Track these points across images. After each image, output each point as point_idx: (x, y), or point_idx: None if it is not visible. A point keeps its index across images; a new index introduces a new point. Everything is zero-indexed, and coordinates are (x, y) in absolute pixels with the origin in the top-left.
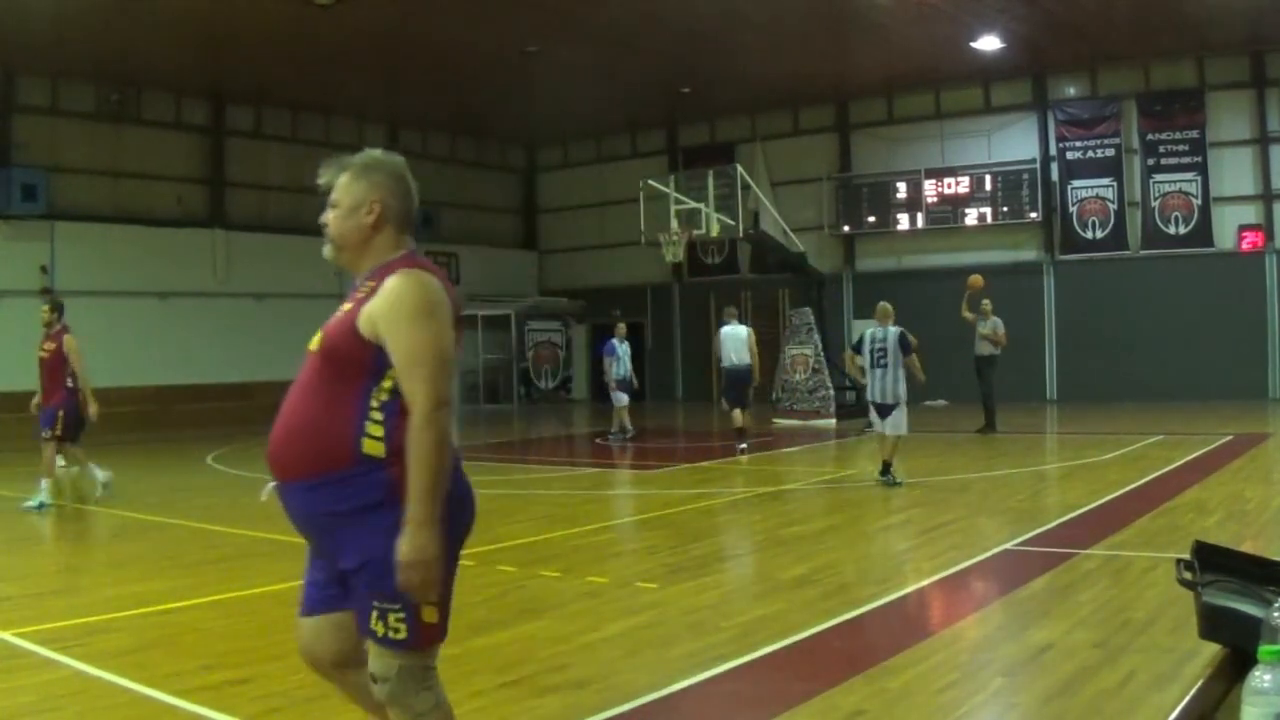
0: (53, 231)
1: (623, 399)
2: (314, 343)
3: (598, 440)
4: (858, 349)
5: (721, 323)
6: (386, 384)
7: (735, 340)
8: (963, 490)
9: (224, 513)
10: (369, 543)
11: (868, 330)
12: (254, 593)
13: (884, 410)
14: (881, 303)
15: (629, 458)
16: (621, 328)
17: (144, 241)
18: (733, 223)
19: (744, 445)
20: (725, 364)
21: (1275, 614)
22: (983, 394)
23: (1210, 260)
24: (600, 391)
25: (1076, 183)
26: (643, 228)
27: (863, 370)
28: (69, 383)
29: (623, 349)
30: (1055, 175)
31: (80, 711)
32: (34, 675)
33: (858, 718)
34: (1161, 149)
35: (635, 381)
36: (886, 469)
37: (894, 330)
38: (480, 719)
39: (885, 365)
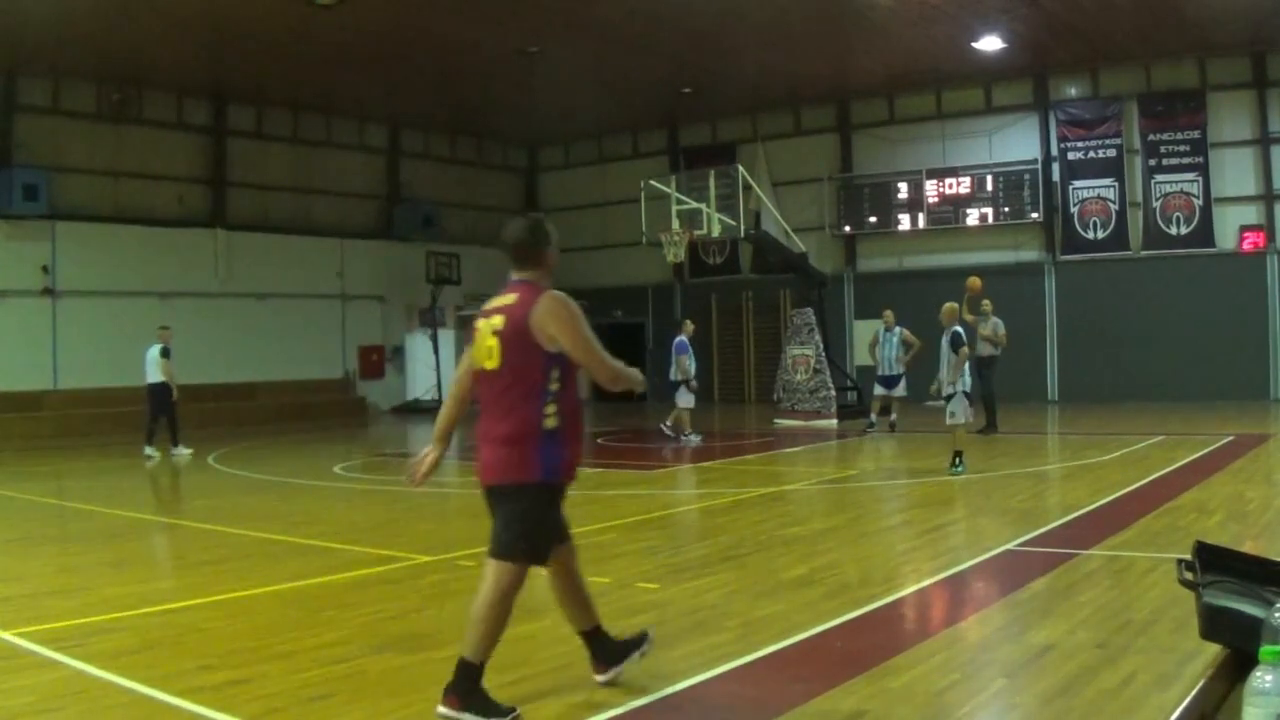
0: (54, 231)
1: (690, 399)
2: None
3: (673, 440)
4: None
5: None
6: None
7: None
8: (964, 490)
9: (225, 513)
10: None
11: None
12: (255, 593)
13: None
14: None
15: (630, 458)
16: (689, 325)
17: (145, 241)
18: (734, 223)
19: None
20: None
21: (1276, 615)
22: (983, 394)
23: (1211, 261)
24: (601, 391)
25: (1078, 183)
26: (644, 228)
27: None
28: None
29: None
30: (1056, 175)
31: (81, 712)
32: (35, 675)
33: (859, 718)
34: (1163, 149)
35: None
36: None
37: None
38: None
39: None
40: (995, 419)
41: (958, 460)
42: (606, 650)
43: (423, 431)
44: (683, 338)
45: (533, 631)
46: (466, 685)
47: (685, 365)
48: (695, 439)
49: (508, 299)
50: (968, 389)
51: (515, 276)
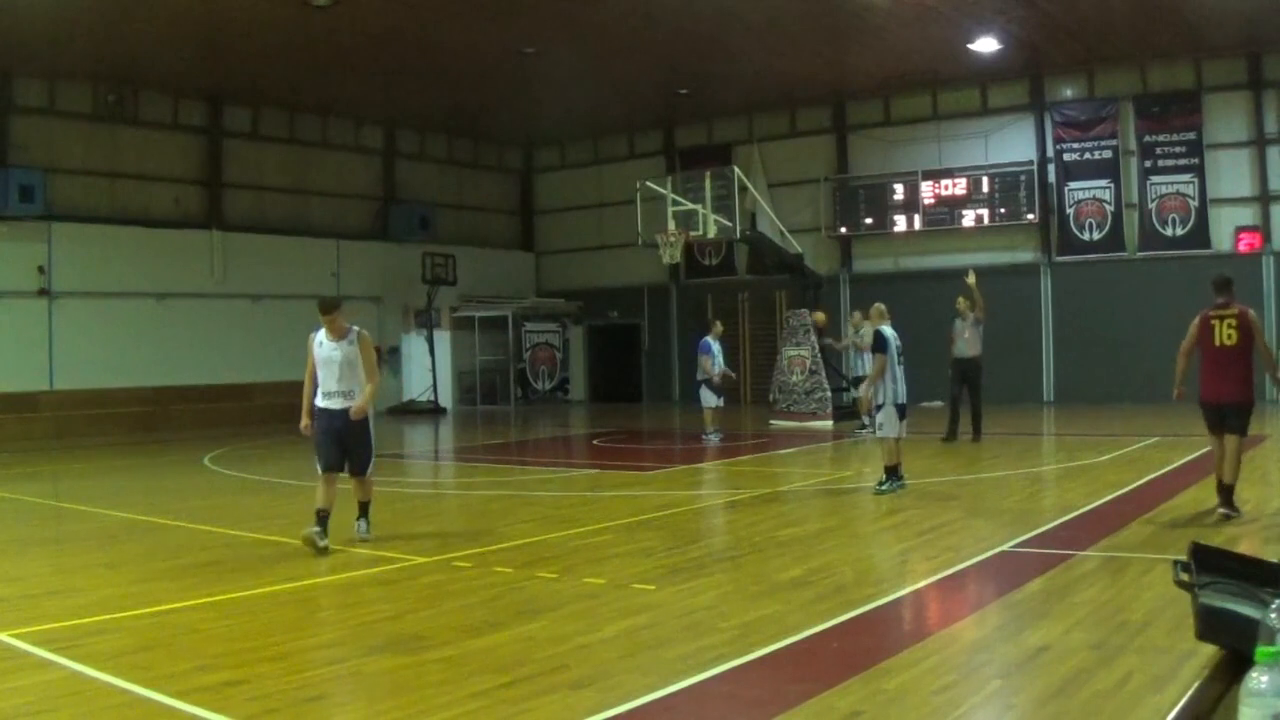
0: (50, 232)
1: (712, 399)
2: None
3: (701, 439)
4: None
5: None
6: None
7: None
8: (959, 491)
9: (221, 514)
10: None
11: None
12: (251, 594)
13: (903, 411)
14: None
15: (627, 459)
16: (718, 326)
17: (141, 242)
18: (730, 224)
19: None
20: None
21: (1272, 615)
22: (972, 402)
23: (1207, 262)
24: (598, 392)
25: (1074, 184)
26: (640, 229)
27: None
28: None
29: (717, 347)
30: (1052, 177)
31: (78, 712)
32: (31, 676)
33: (855, 719)
34: (1159, 150)
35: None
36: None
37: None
38: None
39: (902, 364)
40: (979, 427)
41: (886, 477)
42: (1223, 497)
43: (420, 432)
44: (706, 338)
45: (531, 632)
46: (1229, 497)
47: (705, 365)
48: (714, 438)
49: (1232, 309)
50: (899, 399)
51: (1220, 300)
